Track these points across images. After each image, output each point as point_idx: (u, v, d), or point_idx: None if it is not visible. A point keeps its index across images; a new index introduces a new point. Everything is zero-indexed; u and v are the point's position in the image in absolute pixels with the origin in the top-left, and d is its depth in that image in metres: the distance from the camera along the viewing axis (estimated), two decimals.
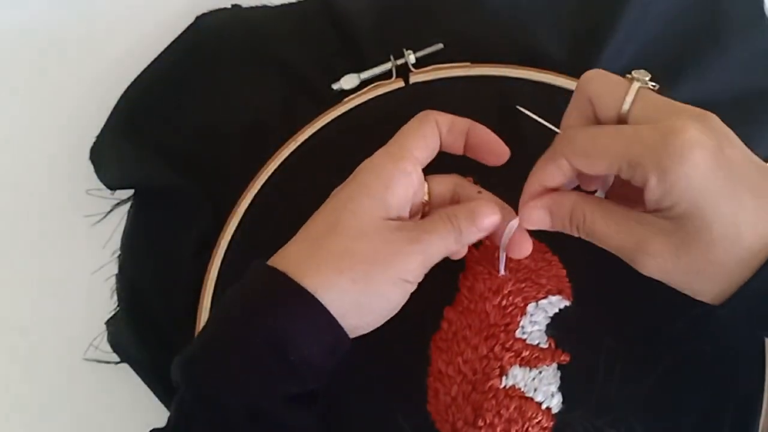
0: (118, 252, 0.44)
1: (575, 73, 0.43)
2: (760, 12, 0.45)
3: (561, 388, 0.38)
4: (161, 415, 0.37)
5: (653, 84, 0.32)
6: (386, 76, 0.44)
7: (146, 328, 0.42)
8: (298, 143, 0.43)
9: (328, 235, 0.33)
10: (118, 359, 0.42)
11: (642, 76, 0.32)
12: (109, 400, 0.43)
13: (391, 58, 0.44)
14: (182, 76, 0.46)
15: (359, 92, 0.44)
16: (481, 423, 0.37)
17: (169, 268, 0.43)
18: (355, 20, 0.46)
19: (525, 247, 0.36)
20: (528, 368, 0.38)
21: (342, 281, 0.32)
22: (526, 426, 0.37)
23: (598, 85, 0.33)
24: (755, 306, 0.30)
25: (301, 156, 0.43)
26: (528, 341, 0.38)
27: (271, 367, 0.31)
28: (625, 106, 0.31)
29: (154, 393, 0.41)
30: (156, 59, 0.46)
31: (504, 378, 0.37)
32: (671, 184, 0.29)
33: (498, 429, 0.37)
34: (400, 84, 0.44)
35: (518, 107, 0.40)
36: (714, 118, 0.30)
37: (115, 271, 0.43)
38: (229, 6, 0.48)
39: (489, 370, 0.38)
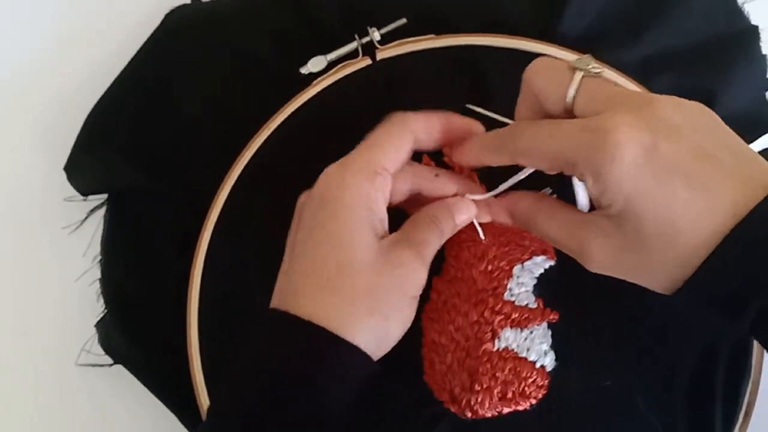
0: (99, 257, 0.44)
1: (540, 36, 0.43)
2: None
3: (553, 346, 0.39)
4: (158, 412, 0.37)
5: (596, 68, 0.31)
6: (353, 55, 0.44)
7: (136, 327, 0.41)
8: (271, 130, 0.43)
9: (341, 274, 0.31)
10: (111, 362, 0.42)
11: (584, 63, 0.31)
12: (106, 403, 0.43)
13: (356, 37, 0.44)
14: (152, 77, 0.45)
15: (327, 73, 0.44)
16: (477, 387, 0.38)
17: (152, 267, 0.43)
18: (318, 3, 0.46)
19: (484, 217, 0.37)
20: (519, 329, 0.38)
21: (373, 321, 0.31)
22: (522, 386, 0.38)
23: (542, 78, 0.32)
24: (705, 295, 0.29)
25: (276, 142, 0.43)
26: (516, 303, 0.39)
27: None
28: (568, 99, 0.31)
29: (151, 390, 0.41)
30: (128, 64, 0.46)
31: (496, 341, 0.38)
32: (604, 183, 0.28)
33: (495, 391, 0.38)
34: (368, 62, 0.44)
35: (468, 105, 0.40)
36: (660, 106, 0.29)
37: (99, 275, 0.43)
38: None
39: (481, 335, 0.38)
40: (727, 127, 0.30)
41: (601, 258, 0.30)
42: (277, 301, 0.33)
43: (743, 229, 0.27)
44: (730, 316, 0.29)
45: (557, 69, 0.32)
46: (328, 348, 0.30)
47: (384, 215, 0.33)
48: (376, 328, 0.32)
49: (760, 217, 0.27)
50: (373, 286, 0.31)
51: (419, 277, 0.33)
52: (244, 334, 0.33)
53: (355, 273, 0.31)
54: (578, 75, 0.30)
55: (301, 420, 0.30)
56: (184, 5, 0.47)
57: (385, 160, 0.33)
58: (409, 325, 0.34)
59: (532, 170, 0.35)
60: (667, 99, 0.29)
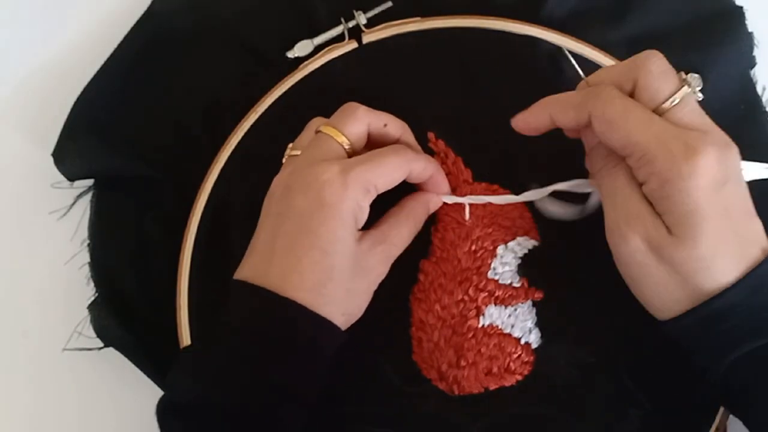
0: (87, 241, 0.44)
1: (525, 17, 0.43)
2: None
3: (538, 324, 0.39)
4: (149, 394, 0.38)
5: (699, 95, 0.33)
6: (339, 39, 0.44)
7: (126, 310, 0.42)
8: (259, 114, 0.43)
9: (324, 278, 0.34)
10: (100, 346, 0.42)
11: (695, 82, 0.33)
12: (95, 387, 0.43)
13: (342, 20, 0.44)
14: (138, 64, 0.46)
15: (314, 57, 0.44)
16: (463, 363, 0.38)
17: (140, 251, 0.43)
18: None
19: (444, 187, 0.40)
20: (503, 306, 0.39)
21: (343, 318, 0.35)
22: (507, 361, 0.38)
23: (650, 72, 0.33)
24: (688, 337, 0.33)
25: (263, 126, 0.43)
26: (500, 281, 0.39)
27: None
28: (667, 104, 0.32)
29: (143, 371, 0.41)
30: (115, 49, 0.46)
31: (481, 318, 0.39)
32: (671, 191, 0.31)
33: (480, 366, 0.38)
34: (354, 45, 0.44)
35: (565, 50, 0.41)
36: (734, 152, 0.32)
37: (87, 259, 0.43)
38: None
39: (466, 312, 0.39)
40: None
41: (640, 244, 0.32)
42: (253, 276, 0.34)
43: (753, 278, 0.31)
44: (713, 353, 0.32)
45: (670, 73, 0.33)
46: (312, 319, 0.34)
47: (363, 221, 0.36)
48: (344, 323, 0.36)
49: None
50: (348, 290, 0.35)
51: (383, 274, 0.37)
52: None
53: (336, 279, 0.34)
54: (686, 89, 0.33)
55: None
56: None
57: (380, 183, 0.35)
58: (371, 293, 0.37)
59: (534, 197, 0.38)
60: (737, 149, 0.32)
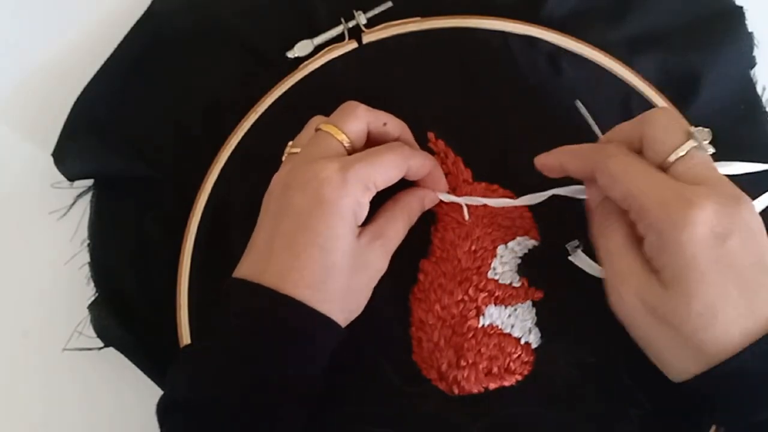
0: (87, 241, 0.44)
1: (525, 17, 0.44)
2: None
3: (538, 324, 0.39)
4: (148, 394, 0.38)
5: (709, 148, 0.32)
6: (339, 39, 0.44)
7: (126, 310, 0.42)
8: (259, 114, 0.43)
9: (323, 275, 0.34)
10: (100, 346, 0.42)
11: (702, 136, 0.32)
12: (95, 387, 0.43)
13: (342, 20, 0.44)
14: (139, 64, 0.46)
15: (314, 57, 0.44)
16: (463, 363, 0.38)
17: (140, 251, 0.43)
18: None
19: (441, 184, 0.40)
20: (503, 306, 0.39)
21: (342, 316, 0.35)
22: (507, 361, 0.38)
23: (655, 127, 0.33)
24: (703, 399, 0.32)
25: (263, 126, 0.43)
26: (500, 281, 0.39)
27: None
28: (672, 158, 0.32)
29: (143, 371, 0.41)
30: (115, 49, 0.46)
31: (481, 318, 0.39)
32: (665, 244, 0.30)
33: (480, 367, 0.38)
34: (354, 45, 0.44)
35: (577, 102, 0.41)
36: (746, 207, 0.31)
37: (88, 259, 0.43)
38: None
39: (466, 312, 0.39)
40: None
41: (632, 300, 0.32)
42: (251, 275, 0.34)
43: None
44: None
45: (676, 126, 0.33)
46: (311, 316, 0.34)
47: (363, 218, 0.36)
48: (343, 320, 0.36)
49: None
50: (347, 287, 0.35)
51: (382, 270, 0.37)
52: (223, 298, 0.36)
53: (336, 276, 0.34)
54: (691, 143, 0.32)
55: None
56: None
57: (380, 180, 0.35)
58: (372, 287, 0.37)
59: (531, 202, 0.39)
60: (752, 205, 0.31)
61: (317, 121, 0.38)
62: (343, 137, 0.36)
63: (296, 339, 0.33)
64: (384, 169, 0.35)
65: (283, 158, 0.38)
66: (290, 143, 0.38)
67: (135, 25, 0.46)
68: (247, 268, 0.35)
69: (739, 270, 0.30)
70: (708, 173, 0.32)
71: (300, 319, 0.33)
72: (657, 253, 0.31)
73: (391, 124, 0.38)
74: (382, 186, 0.36)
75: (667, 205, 0.30)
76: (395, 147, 0.36)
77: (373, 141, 0.38)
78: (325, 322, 0.34)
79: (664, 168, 0.32)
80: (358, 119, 0.36)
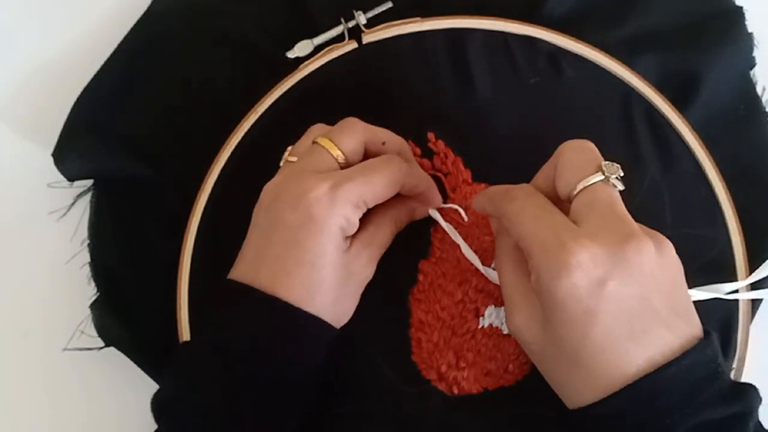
0: (87, 241, 0.44)
1: (525, 17, 0.44)
2: None
3: None
4: (152, 392, 0.38)
5: (621, 184, 0.32)
6: (339, 39, 0.44)
7: (126, 310, 0.42)
8: (259, 114, 0.43)
9: (313, 289, 0.34)
10: (101, 345, 0.42)
11: (610, 170, 0.32)
12: (96, 386, 0.43)
13: (342, 20, 0.44)
14: (139, 64, 0.46)
15: (314, 57, 0.44)
16: (463, 364, 0.38)
17: (141, 252, 0.43)
18: None
19: (435, 203, 0.40)
20: (502, 307, 0.39)
21: (335, 322, 0.36)
22: (506, 361, 0.38)
23: (567, 158, 0.33)
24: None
25: (264, 126, 0.43)
26: None
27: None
28: (577, 189, 0.32)
29: (144, 370, 0.41)
30: (115, 49, 0.46)
31: (480, 318, 0.39)
32: (539, 289, 0.30)
33: (479, 367, 0.38)
34: (354, 45, 0.44)
35: (430, 211, 0.41)
36: (632, 249, 0.29)
37: (88, 259, 0.44)
38: None
39: (465, 313, 0.39)
40: (684, 284, 0.32)
41: (519, 327, 0.33)
42: (242, 277, 0.34)
43: (645, 382, 0.29)
44: None
45: (588, 158, 0.33)
46: (302, 318, 0.34)
47: (353, 233, 0.36)
48: (336, 324, 0.36)
49: (658, 377, 0.29)
50: (336, 296, 0.35)
51: (369, 277, 0.38)
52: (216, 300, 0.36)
53: (325, 290, 0.34)
54: (598, 176, 0.32)
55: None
56: None
57: (370, 199, 0.35)
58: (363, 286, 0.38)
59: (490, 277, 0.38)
60: (645, 245, 0.30)
61: (317, 131, 0.38)
62: (338, 153, 0.36)
63: (288, 338, 0.34)
64: (375, 189, 0.35)
65: (281, 164, 0.38)
66: (289, 148, 0.38)
67: (135, 25, 0.46)
68: (237, 277, 0.35)
69: (622, 315, 0.29)
70: (606, 209, 0.31)
71: (291, 318, 0.33)
72: (537, 293, 0.31)
73: (390, 143, 0.38)
74: (372, 204, 0.36)
75: (547, 251, 0.30)
76: (390, 164, 0.36)
77: (370, 156, 0.38)
78: (315, 321, 0.34)
79: (570, 199, 0.32)
80: (355, 136, 0.36)
